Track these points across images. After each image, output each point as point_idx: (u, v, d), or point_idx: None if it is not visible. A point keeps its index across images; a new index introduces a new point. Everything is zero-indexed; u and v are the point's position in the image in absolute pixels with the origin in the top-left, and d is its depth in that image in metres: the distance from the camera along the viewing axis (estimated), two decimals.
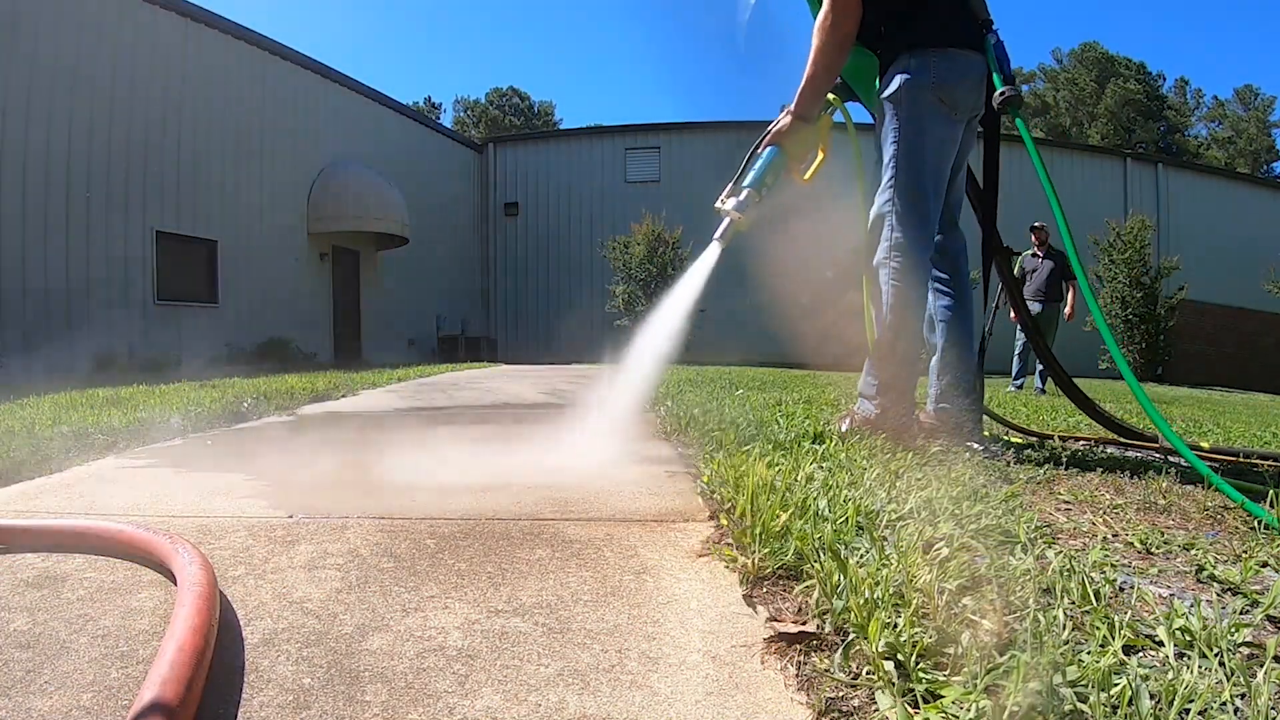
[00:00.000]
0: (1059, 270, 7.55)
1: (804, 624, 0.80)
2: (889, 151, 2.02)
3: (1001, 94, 1.89)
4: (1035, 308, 7.43)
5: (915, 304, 2.01)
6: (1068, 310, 7.55)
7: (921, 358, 2.16)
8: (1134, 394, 1.63)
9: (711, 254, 2.15)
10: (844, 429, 2.11)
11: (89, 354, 8.51)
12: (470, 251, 18.69)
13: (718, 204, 2.08)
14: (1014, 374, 7.72)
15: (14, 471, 1.69)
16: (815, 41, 1.99)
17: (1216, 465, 1.87)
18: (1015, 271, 7.71)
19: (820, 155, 2.14)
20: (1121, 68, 41.97)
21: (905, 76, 1.97)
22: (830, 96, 2.16)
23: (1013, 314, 7.77)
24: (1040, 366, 7.37)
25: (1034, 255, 7.69)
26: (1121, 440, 2.30)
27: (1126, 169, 18.74)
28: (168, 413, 2.68)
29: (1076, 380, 2.20)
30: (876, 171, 2.13)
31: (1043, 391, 7.07)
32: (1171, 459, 1.99)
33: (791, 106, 2.04)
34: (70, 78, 9.09)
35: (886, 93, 2.02)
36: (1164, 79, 44.31)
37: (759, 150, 2.10)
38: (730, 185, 2.09)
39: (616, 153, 18.75)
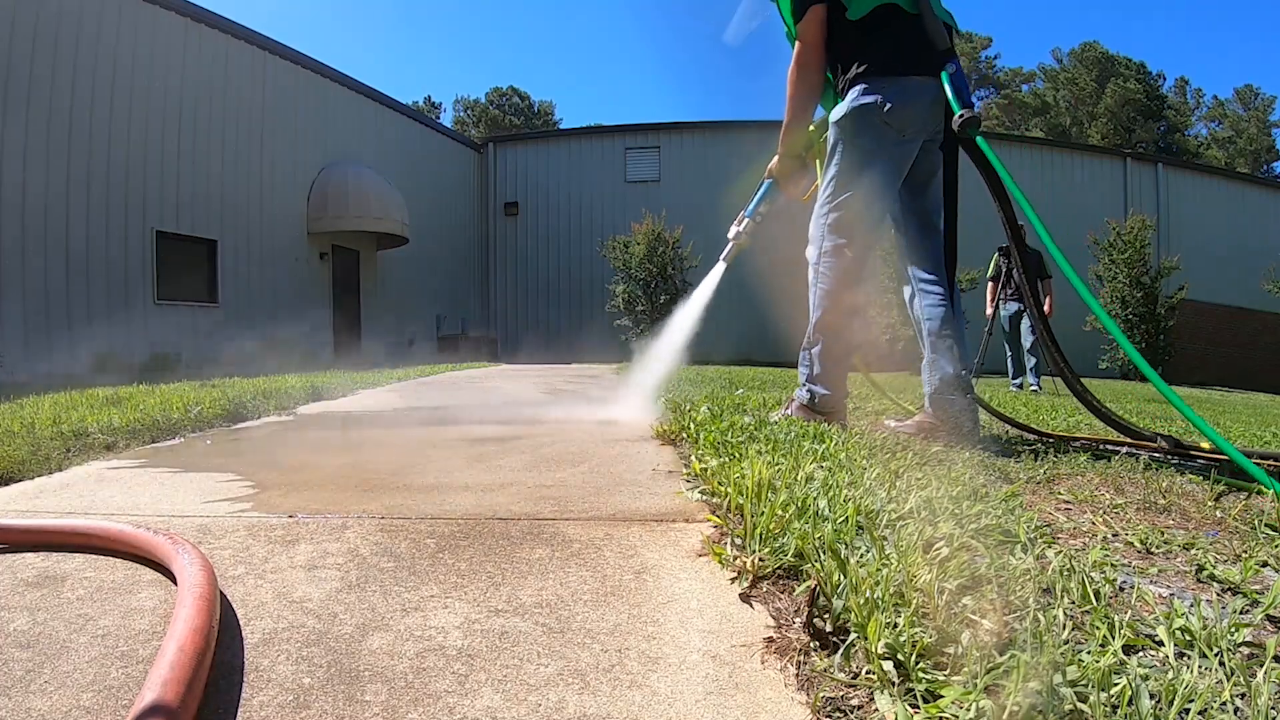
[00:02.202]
0: (1035, 270, 7.56)
1: (792, 624, 0.80)
2: (830, 171, 2.23)
3: (960, 116, 2.00)
4: (1012, 307, 7.49)
5: (841, 307, 2.25)
6: (1045, 308, 7.56)
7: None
8: (1166, 396, 1.56)
9: (718, 271, 2.76)
10: (781, 415, 2.35)
11: (88, 354, 8.51)
12: (470, 251, 18.67)
13: (729, 234, 2.65)
14: (1012, 374, 7.73)
15: (14, 471, 1.69)
16: (789, 91, 2.28)
17: (1218, 465, 1.87)
18: (991, 271, 7.77)
19: (818, 178, 2.52)
20: (1121, 68, 41.95)
21: (853, 102, 2.15)
22: (811, 128, 2.50)
23: (988, 308, 7.79)
24: (1032, 364, 7.36)
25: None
26: (1124, 440, 2.30)
27: (1126, 169, 18.73)
28: (167, 413, 2.68)
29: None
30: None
31: (1038, 389, 7.07)
32: (1172, 459, 1.99)
33: (779, 148, 2.44)
34: (70, 77, 9.09)
35: (835, 117, 2.22)
36: (1164, 79, 44.32)
37: (762, 182, 2.60)
38: (740, 214, 2.63)
39: (616, 153, 18.74)
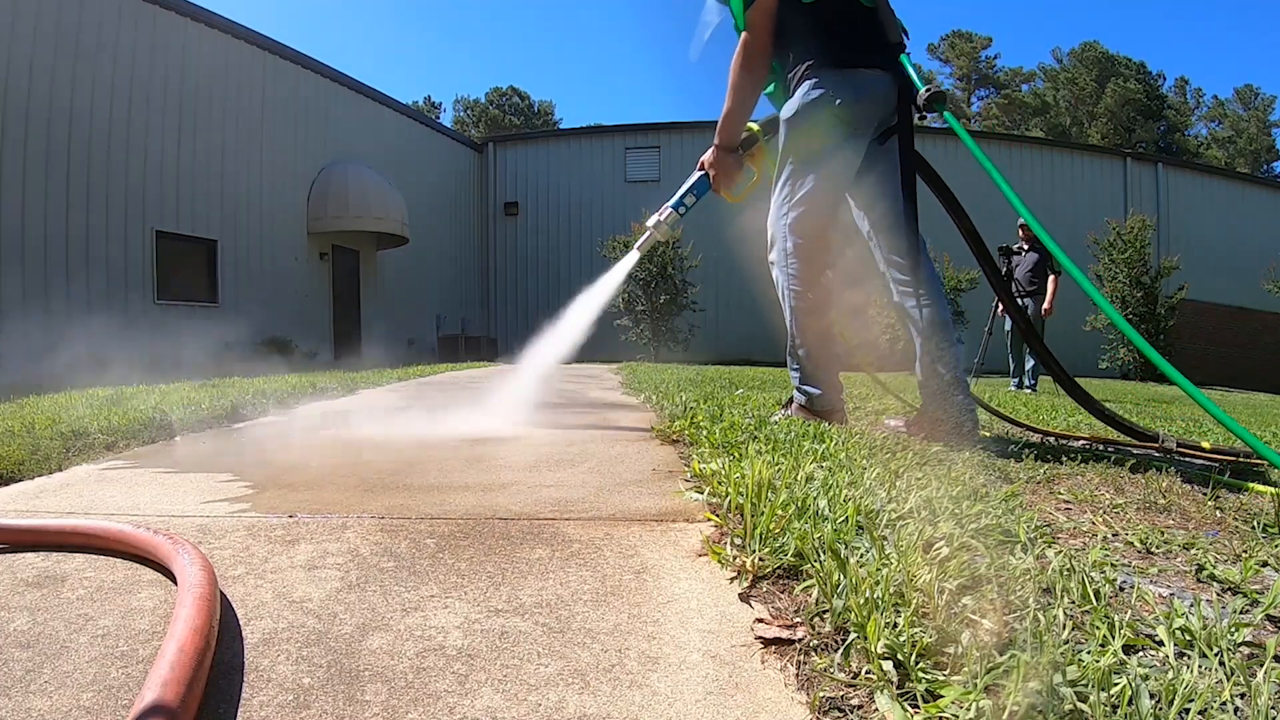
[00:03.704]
0: (1040, 264, 7.50)
1: (792, 627, 0.80)
2: (785, 170, 2.18)
3: (927, 90, 1.98)
4: None
5: (815, 306, 2.21)
6: (1045, 305, 7.47)
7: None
8: (1192, 396, 1.45)
9: (630, 258, 2.69)
10: (780, 416, 2.31)
11: (89, 353, 8.51)
12: (470, 251, 18.67)
13: (648, 222, 2.52)
14: (1012, 372, 7.73)
15: (14, 471, 1.69)
16: (730, 79, 2.19)
17: (1217, 464, 1.87)
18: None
19: (756, 177, 2.45)
20: (1121, 67, 41.95)
21: (805, 97, 2.09)
22: (755, 127, 2.40)
23: (1000, 308, 7.77)
24: (1030, 364, 7.34)
25: (1017, 249, 7.68)
26: (1123, 440, 2.31)
27: (1126, 169, 18.74)
28: (167, 412, 2.68)
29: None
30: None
31: (1033, 389, 7.06)
32: (1173, 458, 1.99)
33: (715, 139, 2.32)
34: (70, 77, 9.09)
35: (785, 114, 2.17)
36: (1164, 79, 44.36)
37: (693, 173, 2.43)
38: (662, 205, 2.49)
39: (616, 153, 18.74)
